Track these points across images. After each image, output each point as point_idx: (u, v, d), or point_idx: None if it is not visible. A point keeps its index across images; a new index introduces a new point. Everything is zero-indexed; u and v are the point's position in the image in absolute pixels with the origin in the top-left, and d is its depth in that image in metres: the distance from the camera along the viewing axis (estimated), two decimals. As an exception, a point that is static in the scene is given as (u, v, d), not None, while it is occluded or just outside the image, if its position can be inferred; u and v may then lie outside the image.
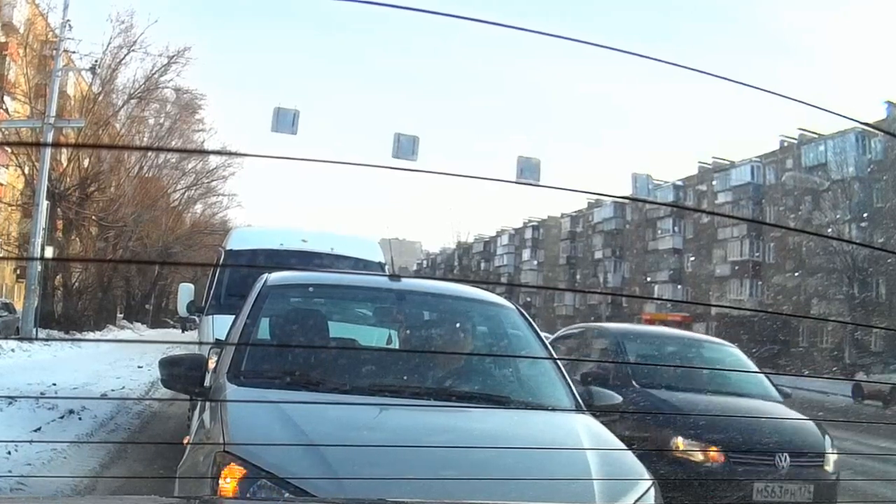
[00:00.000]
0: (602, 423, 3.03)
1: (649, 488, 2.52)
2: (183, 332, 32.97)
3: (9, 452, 5.61)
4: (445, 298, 3.82)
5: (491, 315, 3.70)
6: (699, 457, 5.50)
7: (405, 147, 19.98)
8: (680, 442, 5.50)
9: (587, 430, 2.85)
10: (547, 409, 3.08)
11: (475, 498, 2.23)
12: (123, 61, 27.80)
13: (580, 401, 3.14)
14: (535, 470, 2.40)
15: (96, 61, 25.89)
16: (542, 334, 3.66)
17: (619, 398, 3.41)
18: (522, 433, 2.85)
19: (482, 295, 3.87)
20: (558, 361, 3.42)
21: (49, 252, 20.31)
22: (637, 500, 2.44)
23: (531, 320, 3.61)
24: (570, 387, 3.19)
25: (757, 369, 7.82)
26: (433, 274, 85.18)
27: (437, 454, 2.30)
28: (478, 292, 3.93)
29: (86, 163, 27.27)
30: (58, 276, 27.30)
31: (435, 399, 2.91)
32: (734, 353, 7.35)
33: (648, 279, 53.67)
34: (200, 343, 6.24)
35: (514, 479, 2.28)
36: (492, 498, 2.28)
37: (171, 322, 41.22)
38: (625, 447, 2.79)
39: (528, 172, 20.24)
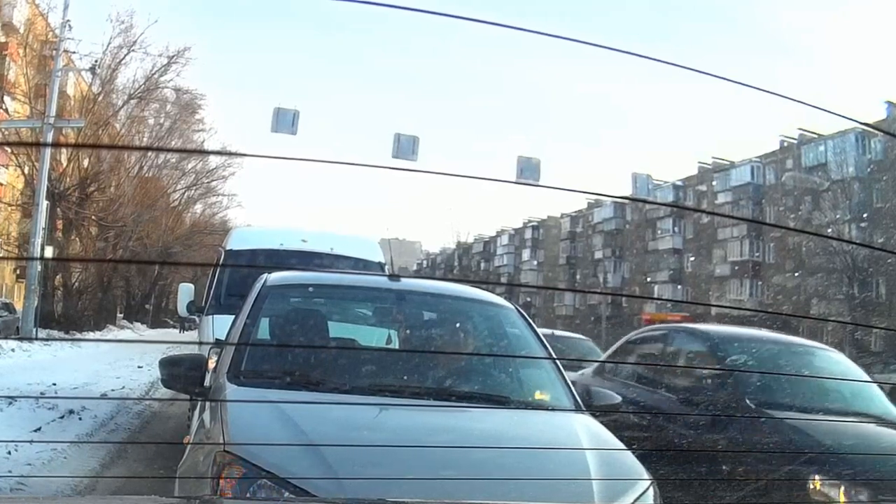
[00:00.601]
0: (601, 422, 3.03)
1: (648, 488, 2.52)
2: (181, 331, 33.02)
3: (9, 452, 5.61)
4: (445, 298, 3.83)
5: (490, 315, 3.70)
6: (842, 498, 4.49)
7: (405, 147, 19.99)
8: (818, 480, 4.58)
9: (586, 430, 2.85)
10: (546, 409, 3.08)
11: (475, 498, 2.23)
12: (123, 61, 27.84)
13: (579, 401, 3.14)
14: (534, 470, 2.41)
15: (96, 61, 25.90)
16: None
17: (618, 398, 3.41)
18: (522, 433, 2.85)
19: (481, 295, 3.88)
20: (557, 361, 3.42)
21: (49, 252, 20.31)
22: (636, 500, 2.45)
23: (530, 320, 3.61)
24: (569, 387, 3.20)
25: (869, 379, 6.56)
26: (433, 274, 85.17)
27: (437, 454, 2.30)
28: (477, 292, 3.94)
29: (86, 163, 27.26)
30: (58, 276, 27.29)
31: (434, 399, 2.92)
32: (843, 362, 6.03)
33: (648, 279, 53.65)
34: (200, 343, 6.24)
35: (513, 479, 2.29)
36: (491, 498, 2.28)
37: (171, 322, 41.23)
38: (624, 447, 2.79)
39: (528, 172, 20.25)
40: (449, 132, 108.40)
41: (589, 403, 3.18)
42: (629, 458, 2.71)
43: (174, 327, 38.25)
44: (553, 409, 3.07)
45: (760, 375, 5.40)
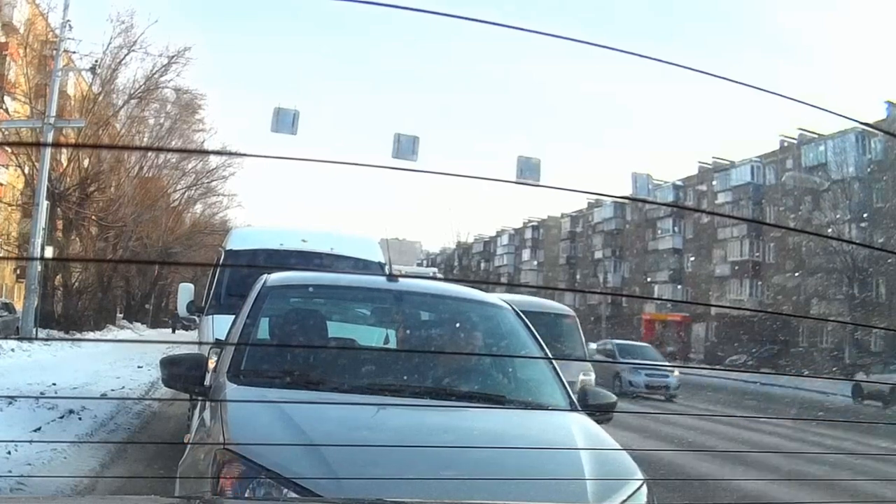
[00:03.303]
0: (596, 422, 3.05)
1: (641, 486, 2.54)
2: (173, 332, 33.10)
3: (9, 452, 5.62)
4: (442, 299, 3.86)
5: (487, 315, 3.72)
6: None
7: (405, 147, 20.03)
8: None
9: (581, 430, 2.87)
10: (542, 409, 3.10)
11: (472, 497, 2.25)
12: (123, 61, 27.78)
13: (575, 400, 3.16)
14: (530, 469, 2.43)
15: (96, 61, 25.87)
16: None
17: (614, 397, 3.43)
18: (518, 433, 2.87)
19: (479, 295, 3.90)
20: (553, 361, 3.44)
21: (49, 252, 20.30)
22: (628, 498, 2.47)
23: (527, 321, 3.61)
24: (565, 386, 3.21)
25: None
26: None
27: (434, 453, 2.32)
28: (474, 293, 3.96)
29: (86, 163, 27.26)
30: (58, 276, 27.29)
31: (432, 398, 2.93)
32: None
33: (648, 279, 53.65)
34: (200, 343, 6.25)
35: (508, 479, 2.30)
36: (488, 497, 2.30)
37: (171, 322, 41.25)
38: (619, 447, 2.81)
39: (528, 172, 20.29)
40: (449, 132, 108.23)
41: (585, 403, 3.20)
42: (623, 457, 2.73)
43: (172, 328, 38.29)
44: (549, 409, 3.09)
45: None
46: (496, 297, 4.07)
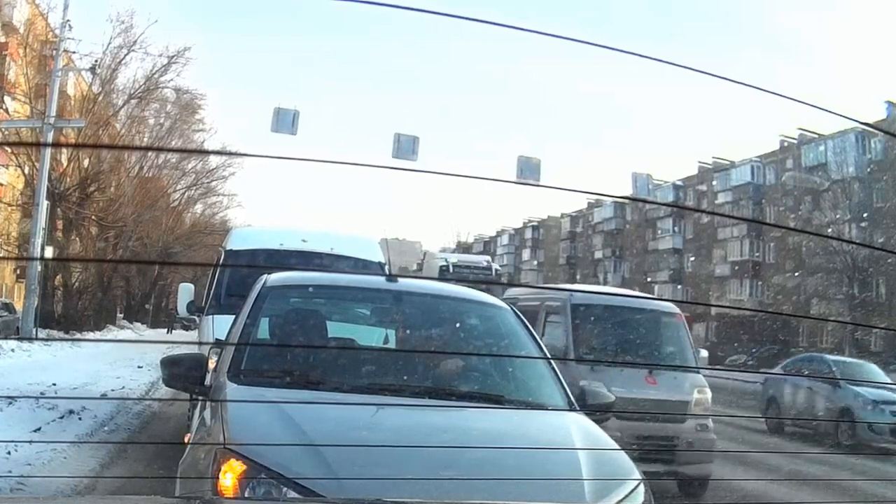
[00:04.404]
0: (594, 421, 3.05)
1: (638, 485, 2.55)
2: (168, 332, 33.16)
3: (9, 452, 5.63)
4: (441, 299, 3.86)
5: (486, 316, 3.73)
6: None
7: (405, 147, 20.04)
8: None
9: (579, 429, 2.87)
10: (541, 409, 3.10)
11: (471, 497, 2.25)
12: (123, 61, 27.78)
13: (573, 400, 3.16)
14: (528, 469, 2.44)
15: (96, 61, 25.85)
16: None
17: (612, 397, 3.43)
18: (516, 433, 2.88)
19: (478, 296, 3.91)
20: (552, 361, 3.44)
21: (49, 252, 20.30)
22: (625, 497, 2.48)
23: (525, 321, 3.62)
24: (563, 386, 3.21)
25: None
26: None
27: (433, 453, 2.32)
28: (473, 293, 3.97)
29: (86, 163, 27.25)
30: (58, 276, 27.28)
31: (431, 398, 2.94)
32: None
33: (648, 279, 53.62)
34: (200, 343, 6.26)
35: (507, 479, 2.31)
36: (486, 497, 2.30)
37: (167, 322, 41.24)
38: (617, 446, 2.81)
39: (528, 172, 20.31)
40: (449, 132, 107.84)
41: (583, 402, 3.20)
42: (620, 457, 2.73)
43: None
44: (548, 409, 3.09)
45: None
46: (495, 297, 4.08)
